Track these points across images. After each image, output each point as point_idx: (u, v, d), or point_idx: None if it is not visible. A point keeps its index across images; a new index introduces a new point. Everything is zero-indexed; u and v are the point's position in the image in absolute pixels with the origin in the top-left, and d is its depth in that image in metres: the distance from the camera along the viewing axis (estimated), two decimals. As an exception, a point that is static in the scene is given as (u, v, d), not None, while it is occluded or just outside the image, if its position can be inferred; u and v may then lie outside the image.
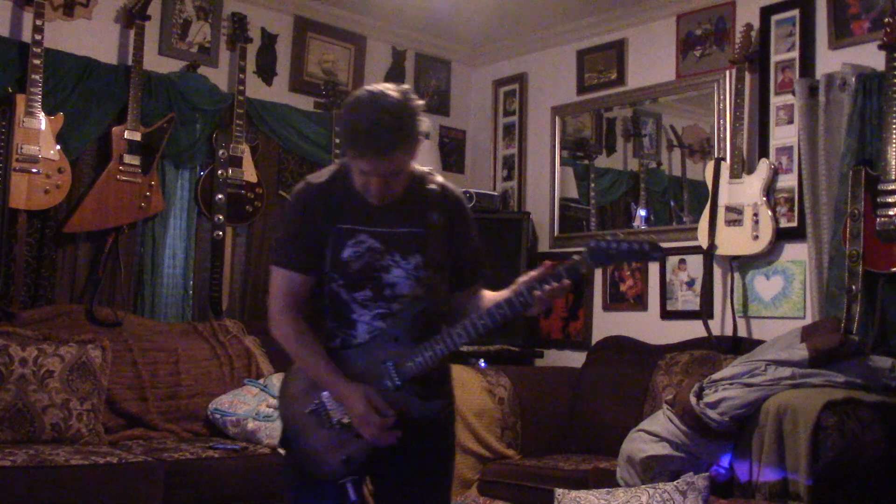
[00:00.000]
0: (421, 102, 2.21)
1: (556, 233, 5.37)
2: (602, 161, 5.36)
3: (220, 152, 4.62)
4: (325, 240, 2.26)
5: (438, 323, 2.27)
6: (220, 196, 4.61)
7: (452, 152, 5.85)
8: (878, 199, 3.72)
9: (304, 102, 5.15)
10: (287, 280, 2.28)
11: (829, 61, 4.17)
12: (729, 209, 4.36)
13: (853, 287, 3.75)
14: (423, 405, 2.25)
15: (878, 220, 3.71)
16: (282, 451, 2.34)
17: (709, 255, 4.45)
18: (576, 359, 5.04)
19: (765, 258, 4.34)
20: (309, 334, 2.28)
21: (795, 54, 4.30)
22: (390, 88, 2.17)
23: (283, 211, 2.37)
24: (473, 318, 2.20)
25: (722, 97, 4.60)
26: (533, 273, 2.17)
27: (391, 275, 2.25)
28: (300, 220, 2.28)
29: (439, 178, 2.37)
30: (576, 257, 2.16)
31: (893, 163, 3.69)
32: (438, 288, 2.30)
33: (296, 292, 2.29)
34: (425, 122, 2.21)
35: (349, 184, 2.26)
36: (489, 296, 2.33)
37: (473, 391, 4.42)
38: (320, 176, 2.33)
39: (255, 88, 4.94)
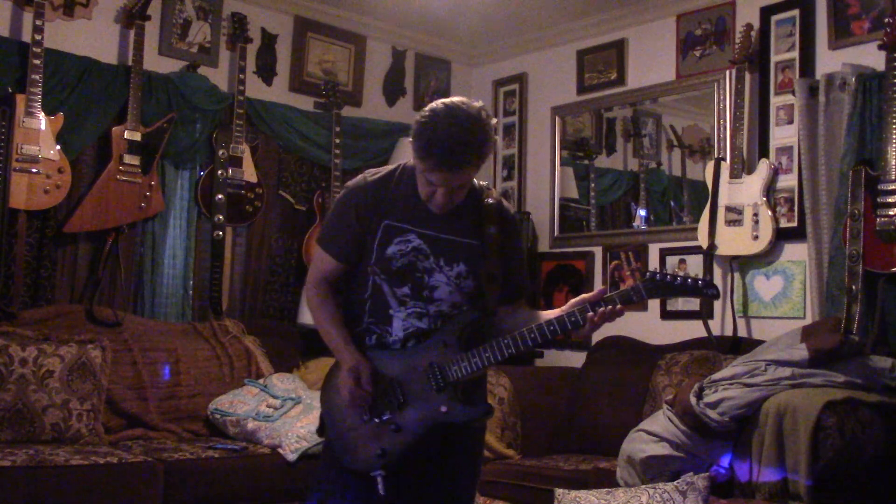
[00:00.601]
0: (495, 120, 2.25)
1: (556, 233, 5.37)
2: (602, 161, 5.35)
3: (220, 152, 4.62)
4: (371, 234, 2.33)
5: (487, 333, 2.33)
6: (220, 196, 4.61)
7: (452, 152, 5.84)
8: (878, 199, 3.71)
9: (304, 102, 5.15)
10: (324, 261, 2.43)
11: (829, 61, 4.17)
12: (729, 209, 4.36)
13: (853, 287, 3.75)
14: (466, 410, 2.31)
15: (878, 220, 3.71)
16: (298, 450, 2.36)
17: (709, 255, 4.45)
18: (576, 359, 5.03)
19: (765, 258, 4.34)
20: (332, 305, 2.41)
21: (795, 54, 4.30)
22: (465, 103, 2.22)
23: (338, 198, 2.46)
24: (524, 332, 2.26)
25: (722, 97, 4.60)
26: (586, 295, 2.25)
27: (433, 278, 2.32)
28: (347, 212, 2.37)
29: (496, 194, 2.44)
30: (632, 285, 2.23)
31: (893, 163, 3.69)
32: (486, 299, 2.35)
33: (328, 273, 2.44)
34: (497, 139, 2.25)
35: (407, 183, 2.33)
36: (536, 313, 2.39)
37: (473, 391, 4.42)
38: (378, 172, 2.41)
39: (255, 88, 4.94)
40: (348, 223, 2.36)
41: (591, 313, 2.19)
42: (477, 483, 2.50)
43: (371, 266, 2.34)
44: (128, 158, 4.27)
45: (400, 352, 2.33)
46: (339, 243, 2.38)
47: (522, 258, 2.52)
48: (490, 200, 2.39)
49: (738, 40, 4.42)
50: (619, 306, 2.19)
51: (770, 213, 4.26)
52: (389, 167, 2.42)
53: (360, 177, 2.41)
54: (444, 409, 2.28)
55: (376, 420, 2.31)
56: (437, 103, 2.24)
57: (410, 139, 2.24)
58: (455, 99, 2.25)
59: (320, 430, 2.47)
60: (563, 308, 2.26)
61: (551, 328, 2.24)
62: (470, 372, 2.28)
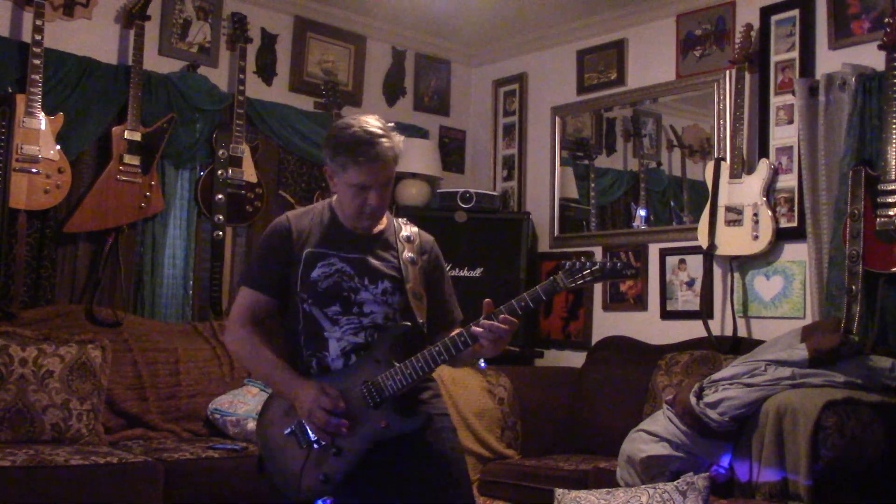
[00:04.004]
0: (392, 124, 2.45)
1: (556, 233, 5.37)
2: (602, 161, 5.35)
3: (220, 152, 4.62)
4: (295, 265, 2.40)
5: (419, 345, 2.36)
6: (220, 196, 4.61)
7: (452, 152, 5.85)
8: (878, 199, 3.71)
9: (304, 102, 5.15)
10: (251, 299, 2.44)
11: (829, 61, 4.17)
12: (729, 209, 4.36)
13: (853, 287, 3.75)
14: (403, 422, 2.33)
15: (878, 220, 3.71)
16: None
17: (709, 255, 4.45)
18: (576, 359, 5.04)
19: (765, 258, 4.34)
20: (264, 343, 2.41)
21: (795, 54, 4.30)
22: (365, 115, 2.45)
23: (260, 239, 2.54)
24: (454, 336, 2.30)
25: (722, 97, 4.60)
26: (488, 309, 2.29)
27: (359, 296, 2.39)
28: (273, 247, 2.44)
29: (414, 227, 2.55)
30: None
31: (893, 163, 3.69)
32: (412, 313, 2.40)
33: (256, 311, 2.45)
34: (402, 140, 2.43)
35: (328, 216, 2.46)
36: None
37: (473, 391, 4.43)
38: (298, 211, 2.52)
39: (255, 88, 4.94)
40: (273, 257, 2.43)
41: (478, 329, 2.25)
42: (461, 482, 2.46)
43: (298, 294, 2.39)
44: (128, 158, 4.27)
45: (333, 375, 2.35)
46: (267, 278, 2.43)
47: (448, 283, 2.57)
48: (406, 233, 2.51)
49: (738, 40, 4.42)
50: (502, 316, 2.25)
51: (770, 213, 4.26)
52: (310, 205, 2.56)
53: (282, 216, 2.50)
54: (383, 424, 2.30)
55: (315, 447, 2.30)
56: (340, 122, 2.43)
57: (330, 159, 2.37)
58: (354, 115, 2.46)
59: (259, 468, 2.44)
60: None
61: (462, 338, 2.28)
62: (405, 385, 2.30)
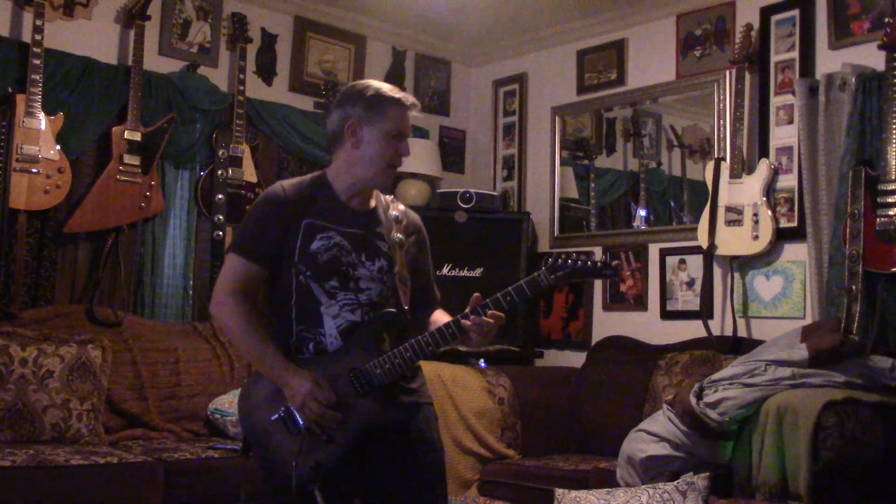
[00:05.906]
0: None
1: (556, 233, 5.37)
2: (602, 161, 5.35)
3: (220, 152, 4.62)
4: (293, 233, 2.33)
5: (404, 334, 2.36)
6: (220, 196, 4.61)
7: (452, 152, 5.85)
8: (878, 199, 3.71)
9: (304, 102, 5.15)
10: (242, 267, 2.35)
11: (829, 61, 4.17)
12: (729, 209, 4.36)
13: (853, 287, 3.75)
14: (393, 411, 2.32)
15: (878, 220, 3.71)
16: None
17: (709, 255, 4.45)
18: (576, 359, 5.03)
19: (765, 258, 4.34)
20: (256, 319, 2.33)
21: (795, 54, 4.30)
22: None
23: (253, 205, 2.47)
24: (442, 328, 2.32)
25: (722, 97, 4.60)
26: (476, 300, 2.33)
27: (357, 271, 2.36)
28: (267, 214, 2.36)
29: (401, 206, 2.53)
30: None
31: (893, 163, 3.69)
32: (401, 297, 2.40)
33: (247, 281, 2.34)
34: None
35: (324, 186, 2.40)
36: (442, 317, 2.47)
37: (473, 391, 4.42)
38: (293, 180, 2.45)
39: (255, 88, 4.94)
40: (269, 225, 2.34)
41: (467, 322, 2.28)
42: (439, 478, 2.45)
43: (295, 265, 2.33)
44: (128, 158, 4.27)
45: (320, 358, 2.32)
46: (261, 246, 2.34)
47: (430, 264, 2.59)
48: (395, 212, 2.48)
49: (738, 40, 4.42)
50: (499, 313, 2.29)
51: (770, 213, 4.26)
52: (306, 175, 2.48)
53: (276, 184, 2.43)
54: (372, 412, 2.29)
55: (304, 432, 2.26)
56: (354, 83, 2.46)
57: (363, 109, 2.35)
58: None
59: (245, 450, 2.41)
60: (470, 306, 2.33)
61: (450, 330, 2.31)
62: (393, 373, 2.30)
